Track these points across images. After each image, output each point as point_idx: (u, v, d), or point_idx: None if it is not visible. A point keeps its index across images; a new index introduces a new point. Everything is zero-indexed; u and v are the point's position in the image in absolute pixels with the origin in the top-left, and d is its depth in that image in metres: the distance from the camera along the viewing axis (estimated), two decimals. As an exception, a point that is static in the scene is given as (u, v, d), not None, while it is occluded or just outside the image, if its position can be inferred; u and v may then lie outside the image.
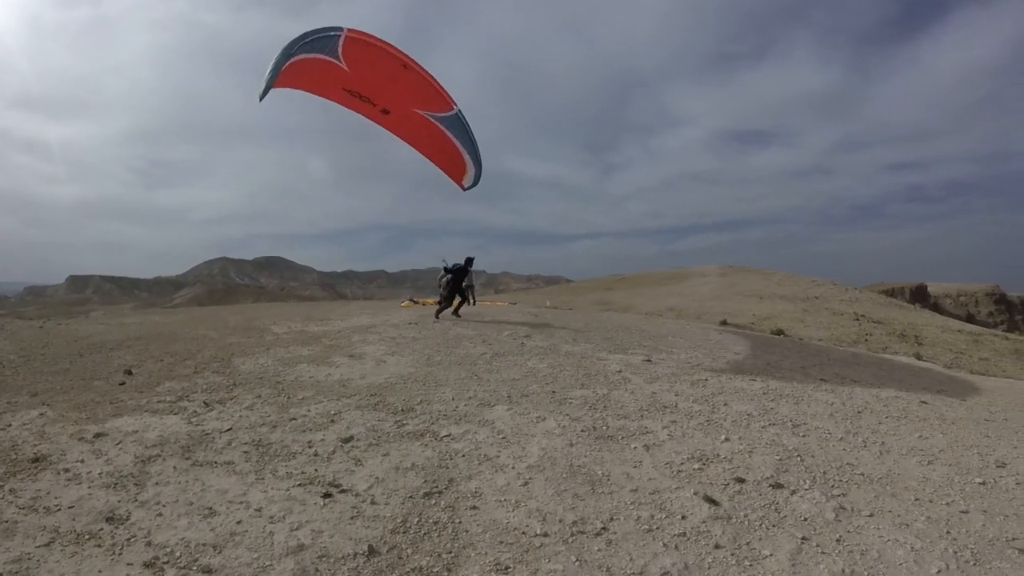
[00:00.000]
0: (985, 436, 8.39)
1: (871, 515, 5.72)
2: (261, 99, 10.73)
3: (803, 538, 5.27)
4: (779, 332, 23.01)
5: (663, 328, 19.34)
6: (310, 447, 7.03)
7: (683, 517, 5.59)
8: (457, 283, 17.67)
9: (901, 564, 4.93)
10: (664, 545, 5.13)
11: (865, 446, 7.62)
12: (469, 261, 17.76)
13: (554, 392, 9.44)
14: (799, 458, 7.03)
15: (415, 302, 26.87)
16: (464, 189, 15.14)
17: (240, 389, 9.34)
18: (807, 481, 6.39)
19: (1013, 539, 5.36)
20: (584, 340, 14.36)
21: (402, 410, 8.42)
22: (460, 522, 5.44)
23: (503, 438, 7.42)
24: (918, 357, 19.71)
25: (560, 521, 5.47)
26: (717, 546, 5.13)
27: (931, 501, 6.09)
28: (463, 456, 6.86)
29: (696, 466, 6.71)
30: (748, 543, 5.19)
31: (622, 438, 7.52)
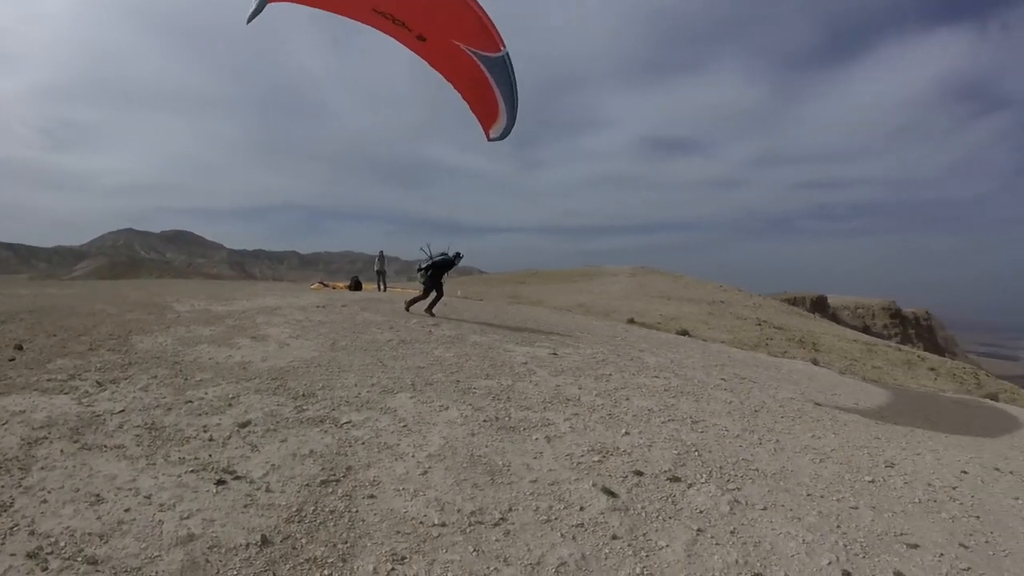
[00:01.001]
0: (875, 438, 8.76)
1: (764, 509, 5.88)
2: (249, 20, 8.97)
3: (698, 530, 5.37)
4: (684, 332, 23.67)
5: (571, 323, 19.58)
6: (205, 431, 6.72)
7: (581, 508, 5.61)
8: (438, 276, 16.35)
9: (793, 555, 5.08)
10: (562, 536, 5.13)
11: (760, 443, 7.85)
12: (458, 256, 16.35)
13: (458, 381, 9.36)
14: (697, 453, 7.18)
15: (325, 285, 26.38)
16: (489, 139, 13.55)
17: (136, 369, 8.86)
18: (704, 475, 6.53)
19: (901, 534, 5.61)
20: (492, 331, 14.33)
21: (303, 395, 8.16)
22: (357, 511, 5.30)
23: (404, 426, 7.29)
24: (815, 362, 20.61)
25: (458, 511, 5.40)
26: (614, 537, 5.17)
27: (822, 496, 6.31)
28: (363, 444, 6.69)
29: (596, 458, 6.76)
30: (645, 534, 5.25)
31: (524, 429, 7.51)
